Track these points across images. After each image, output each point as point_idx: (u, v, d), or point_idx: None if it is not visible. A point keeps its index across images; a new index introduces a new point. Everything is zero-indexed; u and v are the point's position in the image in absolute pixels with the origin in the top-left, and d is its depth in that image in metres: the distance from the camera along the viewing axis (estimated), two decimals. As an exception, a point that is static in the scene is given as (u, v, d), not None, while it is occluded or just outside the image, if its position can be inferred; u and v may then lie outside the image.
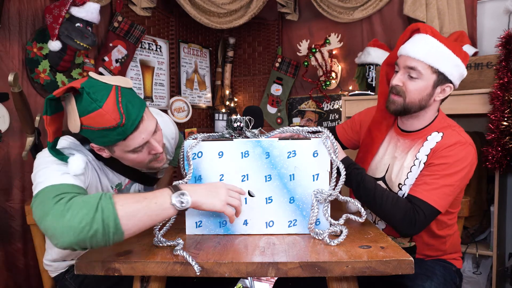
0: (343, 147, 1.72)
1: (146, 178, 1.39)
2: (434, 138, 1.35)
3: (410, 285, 1.31)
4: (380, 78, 1.49)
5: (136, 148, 1.14)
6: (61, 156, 1.09)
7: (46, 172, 1.05)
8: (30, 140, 1.68)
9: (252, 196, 1.19)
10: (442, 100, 1.39)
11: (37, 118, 1.76)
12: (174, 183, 1.07)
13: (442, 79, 1.31)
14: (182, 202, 0.98)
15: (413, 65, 1.31)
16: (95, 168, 1.23)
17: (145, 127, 1.13)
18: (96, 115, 1.04)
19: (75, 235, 0.89)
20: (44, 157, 1.11)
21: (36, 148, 1.71)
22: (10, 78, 1.47)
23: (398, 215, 1.25)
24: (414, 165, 1.36)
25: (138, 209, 0.94)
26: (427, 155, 1.33)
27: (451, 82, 1.33)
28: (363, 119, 1.65)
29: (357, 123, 1.68)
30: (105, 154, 1.18)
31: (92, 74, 1.11)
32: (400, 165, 1.40)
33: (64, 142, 1.19)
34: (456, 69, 1.31)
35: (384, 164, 1.48)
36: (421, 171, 1.33)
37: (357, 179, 1.29)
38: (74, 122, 1.07)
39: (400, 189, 1.38)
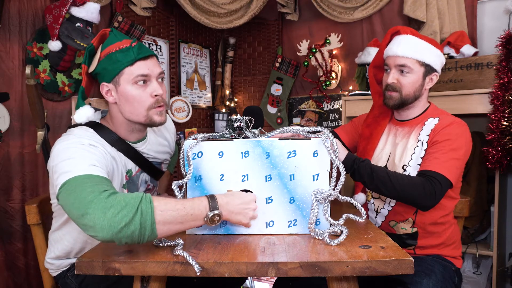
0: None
1: (153, 169, 1.44)
2: (432, 122, 1.48)
3: (408, 282, 1.32)
4: (370, 80, 1.66)
5: (140, 75, 1.23)
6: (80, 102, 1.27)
7: (73, 162, 1.09)
8: (40, 134, 1.70)
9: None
10: (430, 89, 1.56)
11: (45, 113, 1.78)
12: (213, 194, 1.09)
13: (429, 69, 1.48)
14: (214, 221, 1.05)
15: (403, 63, 1.46)
16: (113, 156, 1.27)
17: (153, 64, 1.27)
18: (115, 44, 1.24)
19: (113, 233, 0.93)
20: (67, 147, 1.14)
21: (45, 143, 1.72)
22: (28, 70, 1.51)
23: (418, 190, 1.30)
24: (417, 146, 1.46)
25: (175, 217, 0.99)
26: (428, 135, 1.45)
27: (436, 70, 1.50)
28: (361, 121, 1.72)
29: (359, 125, 1.74)
30: (112, 98, 1.27)
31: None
32: (403, 148, 1.50)
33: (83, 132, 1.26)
34: (438, 59, 1.49)
35: (386, 153, 1.55)
36: (427, 150, 1.42)
37: (367, 171, 1.32)
38: (95, 60, 1.26)
39: (405, 170, 1.46)
